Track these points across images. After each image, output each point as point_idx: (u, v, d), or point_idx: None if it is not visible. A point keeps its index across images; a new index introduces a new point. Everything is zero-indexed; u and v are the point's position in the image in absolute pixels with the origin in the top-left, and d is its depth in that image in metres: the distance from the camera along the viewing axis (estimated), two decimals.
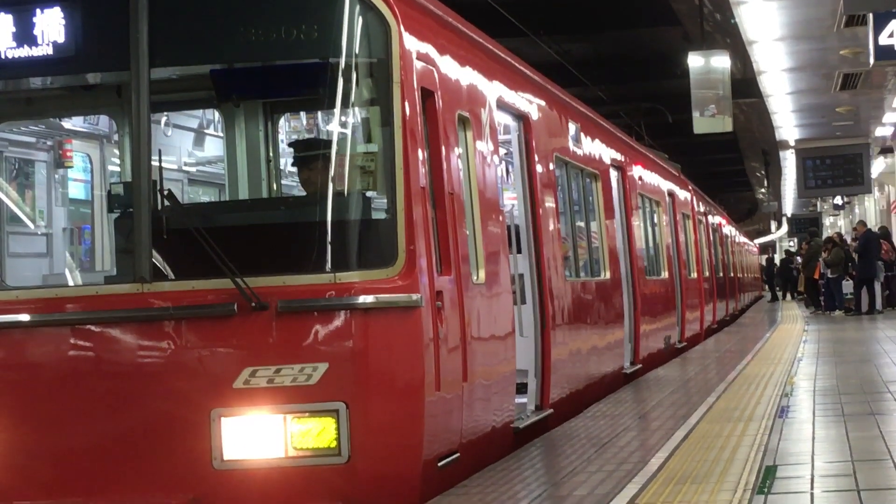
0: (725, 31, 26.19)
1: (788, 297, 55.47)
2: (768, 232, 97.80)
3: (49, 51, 8.32)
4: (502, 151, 11.64)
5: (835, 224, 63.83)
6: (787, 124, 35.98)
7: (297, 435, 7.81)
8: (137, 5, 8.11)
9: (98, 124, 17.64)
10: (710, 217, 32.55)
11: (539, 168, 12.11)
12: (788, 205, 67.42)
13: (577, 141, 14.64)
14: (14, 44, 8.33)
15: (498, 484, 8.35)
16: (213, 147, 19.16)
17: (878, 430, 10.00)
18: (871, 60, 19.85)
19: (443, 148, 8.88)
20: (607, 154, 16.73)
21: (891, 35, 19.16)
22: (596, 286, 14.79)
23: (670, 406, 12.47)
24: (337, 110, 8.22)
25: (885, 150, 40.72)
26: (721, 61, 25.48)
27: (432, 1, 9.66)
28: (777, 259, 69.91)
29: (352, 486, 7.81)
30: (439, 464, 8.44)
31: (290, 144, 10.18)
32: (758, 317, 38.06)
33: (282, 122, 11.43)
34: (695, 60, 25.47)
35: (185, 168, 19.20)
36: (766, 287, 66.48)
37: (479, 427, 9.38)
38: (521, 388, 11.14)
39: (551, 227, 12.37)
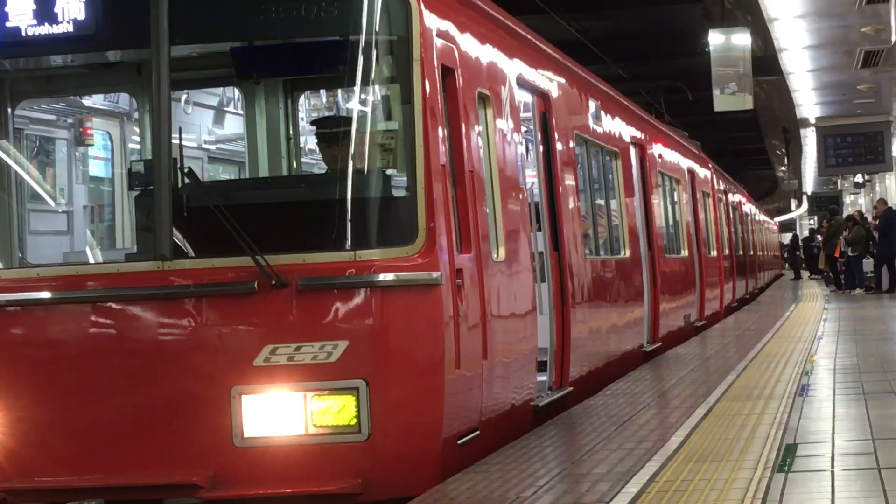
0: (746, 8, 26.08)
1: (808, 274, 55.42)
2: (788, 210, 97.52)
3: (69, 28, 8.32)
4: (523, 129, 11.61)
5: (855, 202, 63.61)
6: (808, 102, 35.85)
7: (317, 412, 7.82)
8: None
9: (118, 102, 17.66)
10: (729, 195, 32.48)
11: (559, 146, 12.09)
12: (809, 183, 67.22)
13: (597, 119, 14.61)
14: (35, 21, 8.34)
15: (518, 462, 8.36)
16: (234, 125, 19.17)
17: None
18: (893, 38, 19.80)
19: (463, 126, 8.87)
20: (627, 132, 16.69)
21: None
22: (616, 264, 14.77)
23: (690, 384, 12.46)
24: (357, 88, 8.20)
25: None
26: (742, 38, 25.38)
27: None
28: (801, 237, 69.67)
29: (372, 463, 7.82)
30: (459, 441, 8.45)
31: (312, 122, 10.17)
32: (777, 295, 38.01)
33: (302, 99, 11.42)
34: (715, 38, 25.38)
35: (205, 146, 19.21)
36: (788, 265, 66.36)
37: (499, 405, 9.38)
38: (543, 366, 11.14)
39: (571, 204, 12.35)
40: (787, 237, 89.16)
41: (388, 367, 7.88)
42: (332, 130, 8.81)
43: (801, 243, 62.26)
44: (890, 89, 33.74)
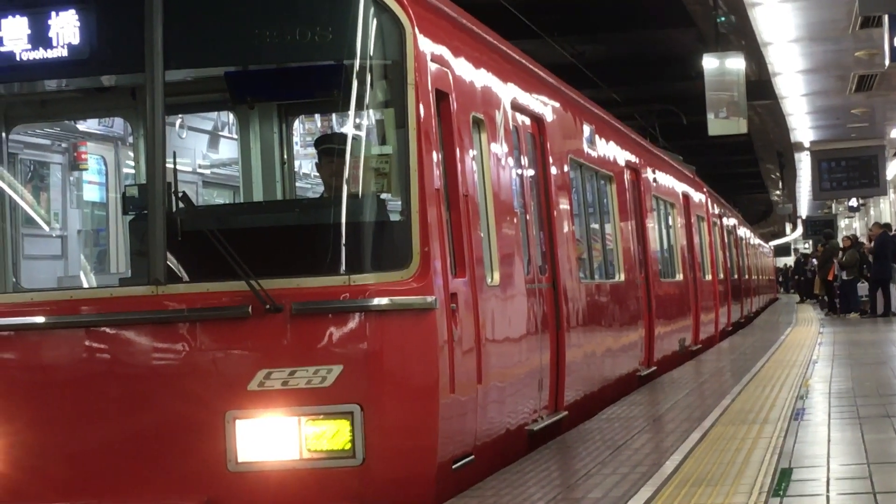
0: (740, 33, 26.14)
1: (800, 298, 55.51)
2: (783, 234, 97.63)
3: (64, 53, 8.33)
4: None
5: (850, 226, 63.72)
6: (802, 126, 35.91)
7: (311, 437, 7.81)
8: (152, 7, 8.11)
9: (113, 126, 17.69)
10: (724, 219, 32.51)
11: (553, 170, 12.11)
12: (803, 207, 67.28)
13: (592, 143, 14.63)
14: (29, 46, 8.35)
15: (513, 486, 8.35)
16: (228, 149, 19.19)
17: (894, 433, 9.98)
18: (887, 62, 19.81)
19: (457, 150, 8.88)
20: (622, 156, 16.71)
21: None
22: (610, 288, 14.77)
23: (685, 408, 12.45)
24: (351, 112, 8.20)
25: None
26: (736, 63, 25.43)
27: (447, 3, 9.66)
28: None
29: (366, 488, 7.80)
30: (454, 466, 8.43)
31: (316, 140, 10.18)
32: (772, 319, 38.00)
33: (296, 124, 11.43)
34: (709, 62, 25.43)
35: (199, 170, 19.24)
36: (786, 289, 66.26)
37: (494, 429, 9.37)
38: None
39: (566, 228, 12.35)
40: (786, 260, 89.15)
41: (382, 391, 7.87)
42: (336, 146, 8.77)
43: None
44: (884, 113, 33.81)
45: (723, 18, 26.82)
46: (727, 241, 32.34)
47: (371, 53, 8.18)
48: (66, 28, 8.31)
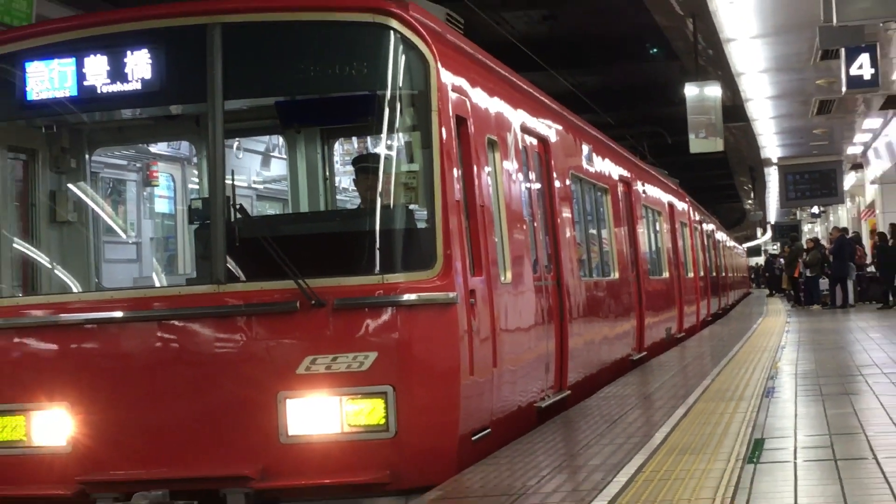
0: (717, 65, 26.09)
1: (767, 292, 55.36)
2: (755, 237, 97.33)
3: (138, 86, 8.36)
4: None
5: (812, 230, 63.52)
6: (771, 144, 35.86)
7: (351, 414, 7.82)
8: (213, 47, 8.15)
9: (179, 149, 17.75)
10: (704, 224, 32.42)
11: (557, 184, 12.10)
12: (772, 213, 67.10)
13: (590, 160, 14.61)
14: (108, 80, 8.38)
15: (524, 455, 8.34)
16: (278, 167, 19.23)
17: (852, 408, 9.94)
18: (844, 89, 19.80)
19: (474, 167, 8.88)
20: (616, 171, 16.68)
21: (860, 67, 19.12)
22: (606, 285, 14.75)
23: (671, 388, 12.42)
24: (384, 135, 8.23)
25: (856, 166, 40.60)
26: (713, 90, 25.36)
27: (465, 40, 9.67)
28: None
29: (398, 457, 7.82)
30: (473, 438, 8.44)
31: (354, 160, 10.23)
32: (746, 311, 37.87)
33: (336, 145, 11.46)
34: (690, 90, 25.37)
35: (254, 185, 19.28)
36: (757, 284, 65.96)
37: (507, 406, 9.37)
38: None
39: (568, 233, 12.34)
40: (757, 260, 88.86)
41: (411, 374, 7.88)
42: (371, 164, 8.81)
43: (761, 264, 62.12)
44: (842, 133, 33.76)
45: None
46: (706, 244, 32.24)
47: (400, 85, 8.19)
48: (139, 65, 8.34)
